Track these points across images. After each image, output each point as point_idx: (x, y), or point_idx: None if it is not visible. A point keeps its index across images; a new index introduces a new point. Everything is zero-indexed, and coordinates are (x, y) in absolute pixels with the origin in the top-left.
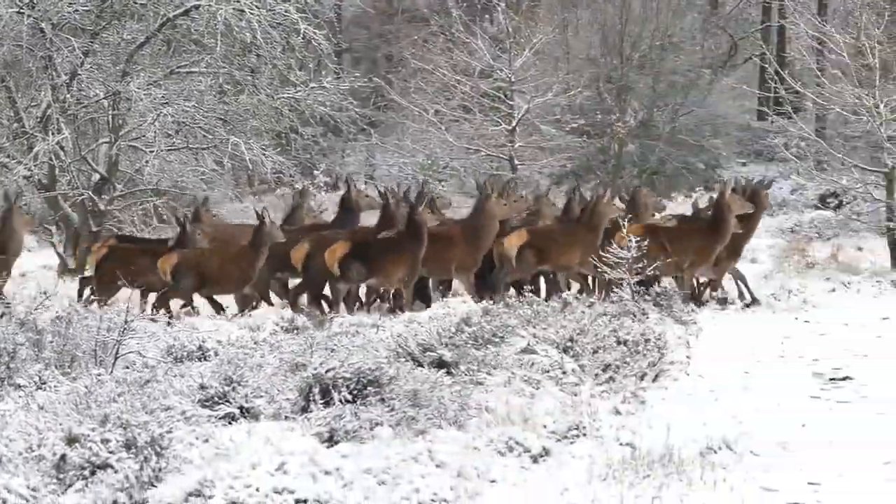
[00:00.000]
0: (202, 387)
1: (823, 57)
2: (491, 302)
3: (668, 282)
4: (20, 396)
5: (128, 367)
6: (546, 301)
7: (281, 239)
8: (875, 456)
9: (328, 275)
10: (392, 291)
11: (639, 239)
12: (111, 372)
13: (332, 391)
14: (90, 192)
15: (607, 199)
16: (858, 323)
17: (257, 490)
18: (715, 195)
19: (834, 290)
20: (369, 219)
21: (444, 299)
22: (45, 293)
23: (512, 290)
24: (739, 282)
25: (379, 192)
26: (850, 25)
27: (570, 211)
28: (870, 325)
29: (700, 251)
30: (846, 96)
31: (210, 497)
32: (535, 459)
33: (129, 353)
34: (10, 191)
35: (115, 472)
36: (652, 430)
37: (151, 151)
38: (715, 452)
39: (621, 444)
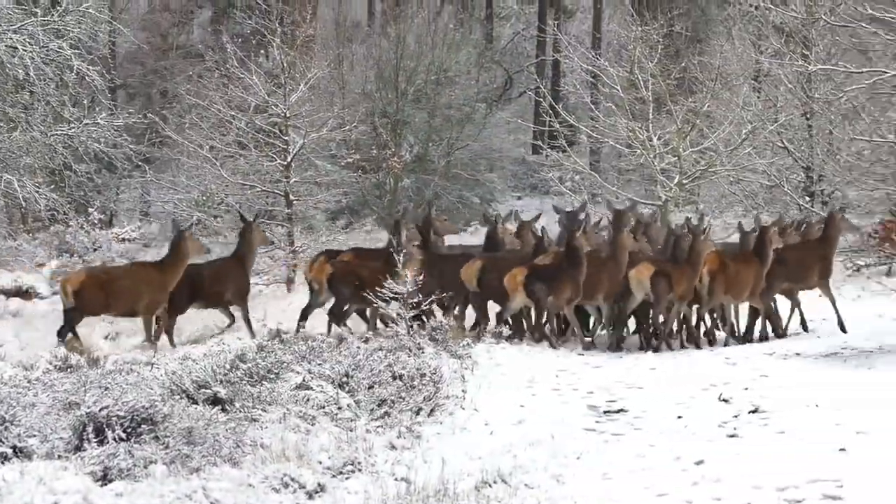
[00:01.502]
0: None
1: (597, 90)
2: None
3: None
4: None
5: None
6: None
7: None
8: (649, 488)
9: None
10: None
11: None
12: None
13: (106, 430)
14: None
15: (706, 236)
16: (633, 356)
17: None
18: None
19: None
20: None
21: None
22: None
23: None
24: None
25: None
26: (623, 59)
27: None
28: (643, 358)
29: (758, 280)
30: (620, 129)
31: None
32: (310, 496)
33: None
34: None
35: None
36: (427, 465)
37: None
38: (490, 486)
39: (397, 479)
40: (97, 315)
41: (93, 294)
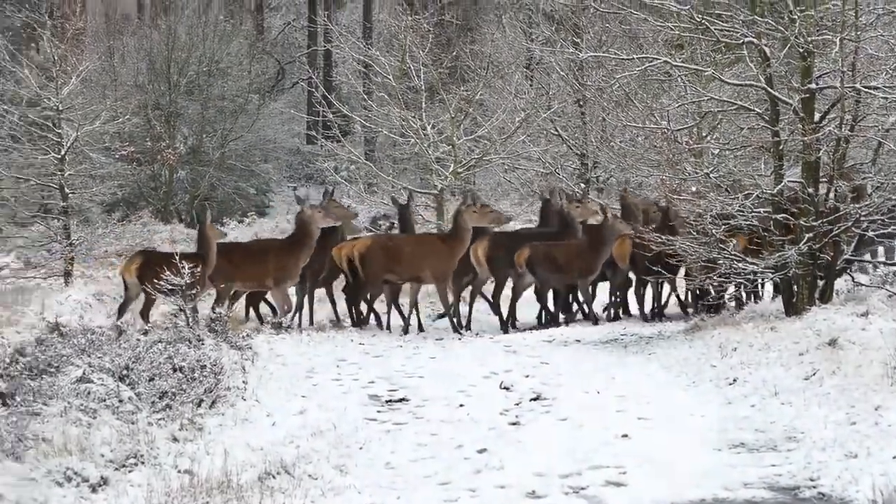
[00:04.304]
0: None
1: (370, 80)
2: None
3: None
4: None
5: None
6: None
7: None
8: (432, 476)
9: None
10: None
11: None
12: None
13: None
14: None
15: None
16: (413, 345)
17: None
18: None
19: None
20: None
21: None
22: None
23: None
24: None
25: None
26: (394, 48)
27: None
28: (424, 347)
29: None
30: (393, 119)
31: None
32: (93, 489)
33: None
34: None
35: None
36: (210, 457)
37: None
38: (273, 477)
39: (180, 472)
40: None
41: None
